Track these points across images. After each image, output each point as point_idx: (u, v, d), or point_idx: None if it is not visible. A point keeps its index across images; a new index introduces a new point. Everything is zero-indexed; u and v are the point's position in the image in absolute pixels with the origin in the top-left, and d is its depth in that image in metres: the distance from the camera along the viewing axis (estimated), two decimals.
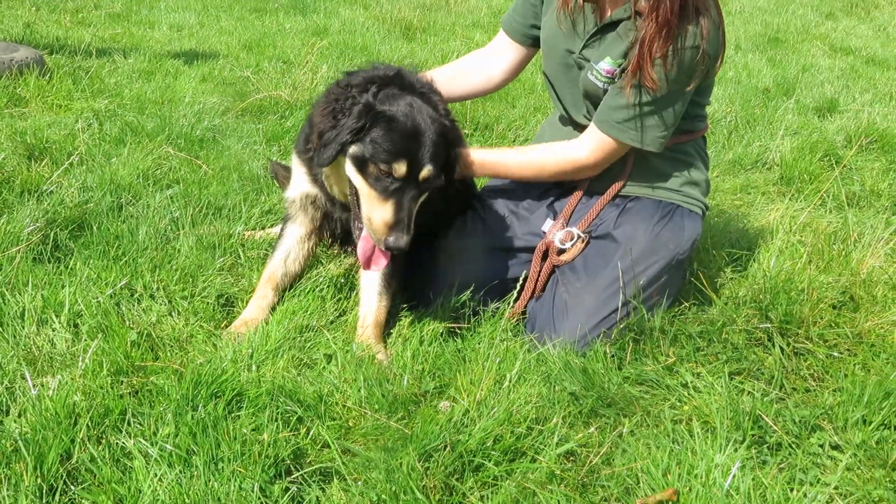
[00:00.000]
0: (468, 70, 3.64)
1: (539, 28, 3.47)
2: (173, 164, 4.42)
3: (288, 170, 3.97)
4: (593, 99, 3.24)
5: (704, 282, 3.43)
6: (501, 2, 12.10)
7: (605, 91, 3.17)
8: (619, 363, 2.93)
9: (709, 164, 3.51)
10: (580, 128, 3.36)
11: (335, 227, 3.30)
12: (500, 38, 3.62)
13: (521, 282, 3.27)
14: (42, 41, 7.13)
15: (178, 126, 4.99)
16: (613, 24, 3.13)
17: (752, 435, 2.58)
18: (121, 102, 5.54)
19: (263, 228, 3.82)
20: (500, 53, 3.61)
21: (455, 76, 3.61)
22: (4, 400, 2.45)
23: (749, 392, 2.82)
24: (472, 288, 3.23)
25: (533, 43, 3.57)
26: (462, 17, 10.72)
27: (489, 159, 3.27)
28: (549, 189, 3.46)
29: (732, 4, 13.25)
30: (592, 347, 2.97)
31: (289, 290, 3.23)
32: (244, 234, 3.68)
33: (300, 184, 3.24)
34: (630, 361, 2.95)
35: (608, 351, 2.94)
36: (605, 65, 3.13)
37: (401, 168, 2.74)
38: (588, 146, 3.20)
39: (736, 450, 2.49)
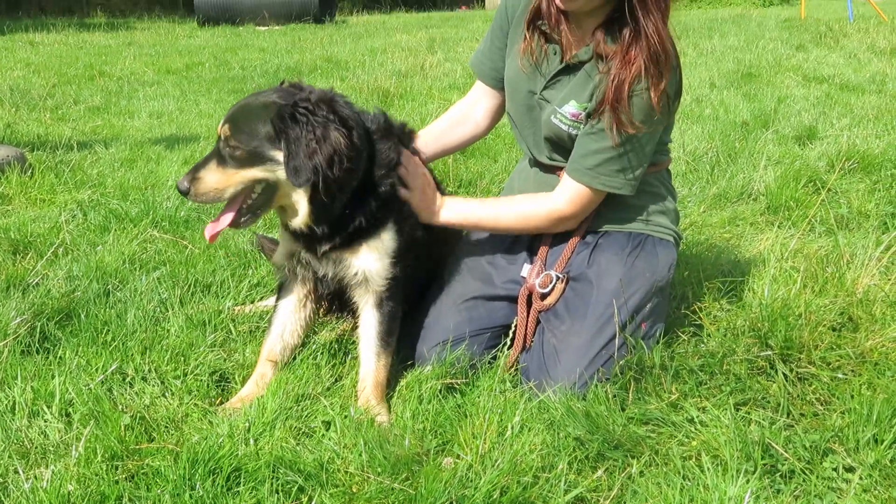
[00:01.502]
0: (458, 120, 3.67)
1: None
2: (159, 246, 4.41)
3: (274, 242, 3.97)
4: (557, 141, 3.25)
5: (701, 315, 3.41)
6: None
7: (570, 134, 3.18)
8: (621, 404, 2.89)
9: (675, 195, 3.52)
10: (545, 168, 3.37)
11: (324, 290, 3.26)
12: (476, 85, 3.65)
13: (512, 332, 3.24)
14: (23, 139, 7.18)
15: (163, 209, 5.00)
16: (576, 66, 3.15)
17: (764, 464, 2.53)
18: (104, 192, 5.54)
19: (253, 302, 3.80)
20: (480, 100, 3.63)
21: (445, 130, 3.65)
22: None
23: (756, 421, 2.78)
24: (464, 342, 3.20)
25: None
26: (437, 80, 10.86)
27: (465, 209, 3.26)
28: (521, 235, 3.46)
29: (704, 45, 13.46)
30: (590, 388, 2.93)
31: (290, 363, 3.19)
32: (234, 309, 3.65)
33: (283, 242, 3.22)
34: (633, 401, 2.90)
35: (610, 392, 2.90)
36: (571, 108, 3.15)
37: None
38: (565, 197, 3.20)
39: (748, 480, 2.44)
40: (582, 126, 3.14)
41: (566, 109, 3.16)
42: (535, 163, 3.45)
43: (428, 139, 3.57)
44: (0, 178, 5.61)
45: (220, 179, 2.83)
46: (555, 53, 3.21)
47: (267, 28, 20.87)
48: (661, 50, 2.93)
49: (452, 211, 3.24)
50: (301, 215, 2.93)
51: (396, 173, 3.08)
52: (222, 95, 10.17)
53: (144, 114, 8.93)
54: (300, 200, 2.90)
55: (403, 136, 3.21)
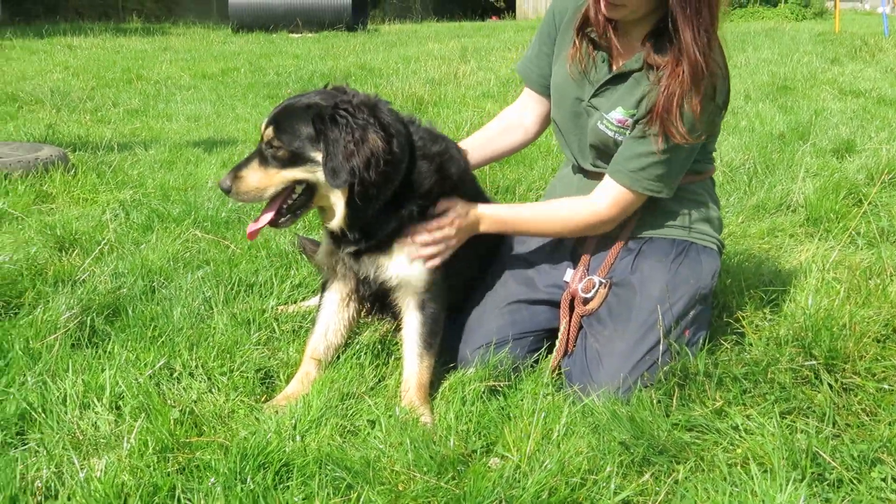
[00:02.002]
0: (506, 127, 3.67)
1: None
2: (201, 246, 4.46)
3: (315, 243, 4.00)
4: (602, 148, 3.26)
5: (743, 323, 3.40)
6: (508, 73, 12.30)
7: (616, 140, 3.19)
8: (666, 409, 2.89)
9: (719, 203, 3.52)
10: (589, 175, 3.38)
11: (365, 291, 3.27)
12: (524, 91, 3.66)
13: (563, 337, 3.25)
14: (65, 140, 7.29)
15: (204, 210, 5.05)
16: (625, 75, 3.17)
17: (812, 473, 2.52)
18: (145, 192, 5.61)
19: (296, 302, 3.83)
20: (528, 106, 3.64)
21: (493, 137, 3.65)
22: (53, 484, 2.43)
23: (802, 430, 2.76)
24: (507, 345, 3.21)
25: None
26: (471, 88, 10.89)
27: (505, 215, 3.27)
28: (564, 239, 3.47)
29: (738, 58, 13.40)
30: (634, 393, 2.93)
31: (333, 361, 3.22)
32: (277, 309, 3.69)
33: (325, 241, 3.25)
34: (677, 407, 2.90)
35: (654, 397, 2.90)
36: (618, 114, 3.16)
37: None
38: (605, 198, 3.20)
39: (797, 489, 2.43)
40: (628, 132, 3.15)
41: (613, 116, 3.17)
42: (578, 169, 3.46)
43: (475, 145, 3.58)
44: (44, 176, 5.69)
45: (261, 179, 2.88)
46: (603, 61, 3.22)
47: (300, 35, 21.01)
48: (699, 63, 2.93)
49: (490, 222, 3.25)
50: (337, 217, 2.97)
51: (431, 200, 3.11)
52: (258, 100, 10.25)
53: (182, 117, 9.03)
54: (338, 202, 2.94)
55: (450, 152, 3.21)
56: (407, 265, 3.08)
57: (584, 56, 3.24)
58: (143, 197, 5.47)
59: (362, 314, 3.46)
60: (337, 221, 2.98)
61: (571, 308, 3.30)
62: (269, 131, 2.88)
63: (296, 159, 2.86)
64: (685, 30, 2.91)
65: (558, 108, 3.41)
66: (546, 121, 3.65)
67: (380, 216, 3.00)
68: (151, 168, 6.43)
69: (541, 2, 33.33)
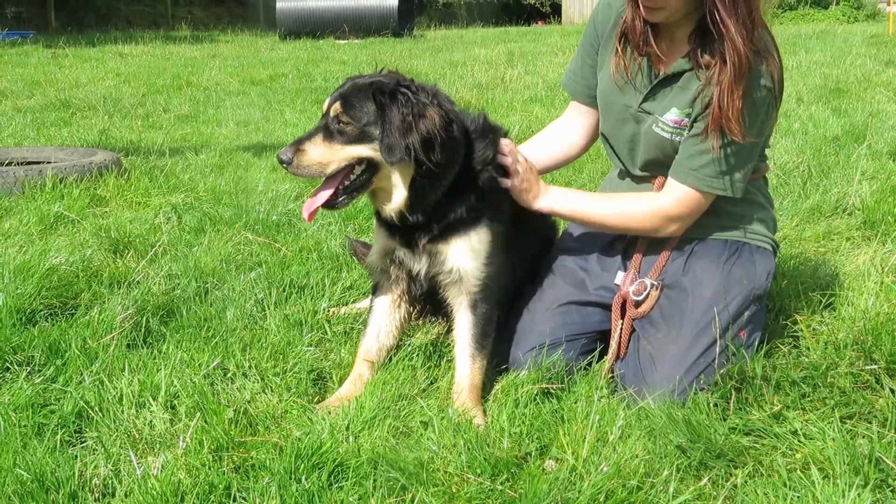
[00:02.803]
0: (552, 138, 3.65)
1: None
2: (253, 248, 4.50)
3: (366, 246, 4.02)
4: (657, 150, 3.21)
5: (801, 326, 3.35)
6: (556, 77, 12.27)
7: (673, 142, 3.15)
8: (722, 413, 2.85)
9: (772, 202, 3.48)
10: (637, 179, 3.35)
11: (417, 290, 3.26)
12: (571, 105, 3.64)
13: (612, 338, 3.22)
14: (117, 145, 7.42)
15: (255, 213, 5.10)
16: (676, 76, 3.13)
17: (875, 479, 2.46)
18: (197, 195, 5.69)
19: (347, 304, 3.84)
20: (575, 119, 3.61)
21: (536, 148, 3.61)
22: (111, 482, 2.46)
23: (864, 435, 2.70)
24: (560, 347, 3.19)
25: None
26: (518, 93, 10.88)
27: (569, 199, 3.25)
28: (615, 241, 3.43)
29: (789, 60, 13.22)
30: (690, 396, 2.89)
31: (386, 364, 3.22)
32: (329, 311, 3.70)
33: (378, 240, 3.24)
34: (734, 411, 2.86)
35: (710, 401, 2.86)
36: (673, 115, 3.13)
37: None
38: (671, 197, 3.17)
39: (860, 494, 2.37)
40: (686, 132, 3.12)
41: (668, 117, 3.14)
42: (626, 174, 3.43)
43: None
44: (98, 181, 5.79)
45: (324, 153, 2.86)
46: (648, 66, 3.19)
47: (346, 41, 21.18)
48: (747, 56, 2.89)
49: (556, 199, 3.24)
50: (396, 200, 2.95)
51: (493, 167, 3.09)
52: (306, 106, 10.34)
53: (231, 122, 9.14)
54: (398, 184, 2.92)
55: (500, 134, 3.22)
56: (466, 258, 3.06)
57: (629, 63, 3.22)
58: (195, 200, 5.54)
59: (413, 316, 3.46)
60: (395, 205, 2.96)
61: (623, 311, 3.27)
62: (337, 106, 2.88)
63: (362, 136, 2.85)
64: (728, 24, 2.88)
65: (606, 117, 3.39)
66: (594, 132, 3.60)
67: (443, 201, 2.99)
68: (202, 172, 6.51)
69: (586, 5, 33.21)
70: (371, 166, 2.91)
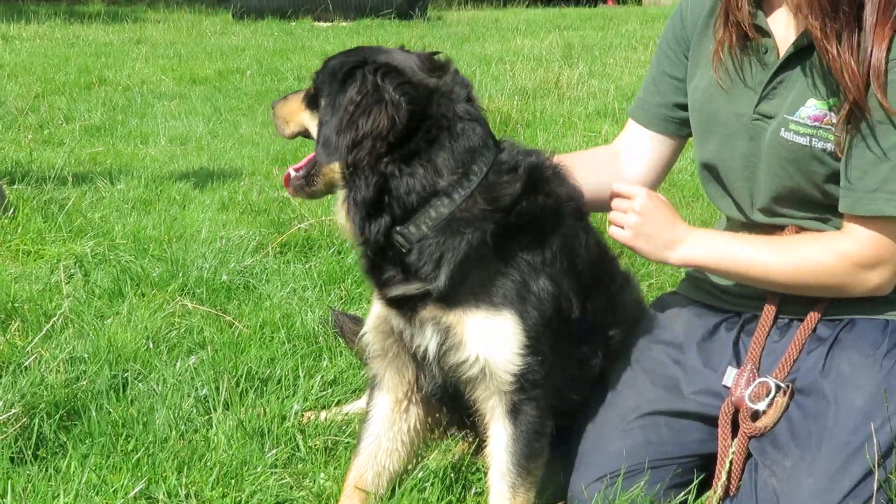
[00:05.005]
0: (593, 163, 3.68)
1: (685, 107, 3.52)
2: (193, 322, 4.54)
3: (357, 321, 4.05)
4: (792, 172, 3.21)
5: None
6: (634, 81, 12.39)
7: (815, 151, 3.14)
8: None
9: None
10: (756, 229, 3.36)
11: (428, 384, 3.25)
12: (630, 129, 3.71)
13: (718, 466, 3.22)
14: None
15: (196, 271, 5.15)
16: (805, 52, 3.16)
17: None
18: (112, 243, 5.73)
19: (329, 407, 3.86)
20: (634, 146, 3.68)
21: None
22: None
23: None
24: (641, 477, 3.19)
25: (679, 127, 3.61)
26: (579, 102, 10.98)
27: (718, 245, 3.27)
28: (723, 323, 3.44)
29: None
30: None
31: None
32: (304, 416, 3.73)
33: (373, 309, 3.28)
34: None
35: None
36: (810, 109, 3.13)
37: None
38: (858, 239, 3.14)
39: None
40: (834, 132, 3.11)
41: (803, 113, 3.14)
42: (740, 225, 3.45)
43: None
44: None
45: (290, 111, 3.37)
46: (765, 52, 3.23)
47: (330, 24, 21.43)
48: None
49: (702, 246, 3.26)
50: (338, 210, 3.12)
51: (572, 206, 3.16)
52: (271, 116, 10.42)
53: (163, 138, 9.25)
54: (339, 183, 3.10)
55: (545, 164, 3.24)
56: (494, 337, 3.04)
57: (739, 46, 3.26)
58: (109, 250, 5.58)
59: (428, 425, 3.47)
60: (342, 216, 3.10)
61: (736, 426, 3.28)
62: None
63: (313, 101, 3.22)
64: None
65: (706, 139, 3.41)
66: (662, 168, 3.68)
67: (430, 236, 3.02)
68: (120, 210, 6.58)
69: None
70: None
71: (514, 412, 3.10)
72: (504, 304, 3.03)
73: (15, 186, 6.87)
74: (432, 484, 3.28)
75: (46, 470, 3.29)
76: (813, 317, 3.28)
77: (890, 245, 3.10)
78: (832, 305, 3.29)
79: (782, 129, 3.18)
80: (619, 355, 3.51)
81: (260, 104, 11.11)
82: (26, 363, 3.98)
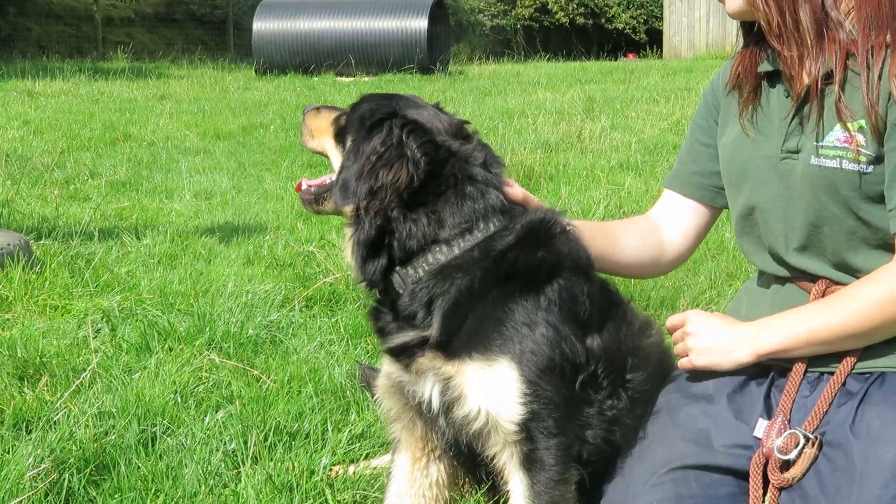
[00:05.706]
0: (631, 228, 3.71)
1: (720, 175, 3.54)
2: (221, 376, 4.55)
3: None
4: (825, 201, 3.19)
5: None
6: (656, 133, 12.43)
7: (847, 172, 3.10)
8: None
9: None
10: (792, 276, 3.36)
11: (439, 439, 3.25)
12: (665, 199, 3.73)
13: None
14: (26, 223, 7.55)
15: (223, 325, 5.18)
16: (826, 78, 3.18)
17: None
18: (139, 298, 5.77)
19: (357, 461, 3.86)
20: (668, 214, 3.70)
21: (595, 235, 3.55)
22: None
23: None
24: None
25: (715, 196, 3.63)
26: (602, 156, 11.01)
27: (786, 327, 3.22)
28: (750, 380, 3.42)
29: None
30: None
31: None
32: (332, 470, 3.73)
33: (383, 369, 3.30)
34: None
35: None
36: (839, 133, 3.13)
37: None
38: None
39: None
40: (865, 151, 3.11)
41: (831, 138, 3.14)
42: (772, 279, 3.44)
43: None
44: None
45: (318, 128, 3.43)
46: (787, 95, 3.26)
47: (352, 79, 21.61)
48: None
49: (767, 334, 3.23)
50: (345, 248, 3.18)
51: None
52: (294, 169, 10.53)
53: (188, 193, 9.32)
54: (346, 219, 3.18)
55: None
56: (491, 388, 3.01)
57: (763, 98, 3.31)
58: (136, 305, 5.62)
59: (451, 479, 3.45)
60: (348, 251, 3.16)
61: (766, 478, 3.26)
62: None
63: (341, 133, 3.30)
64: None
65: (739, 189, 3.41)
66: (696, 237, 3.71)
67: (423, 279, 3.05)
68: (146, 265, 6.63)
69: (699, 34, 33.53)
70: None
71: (529, 462, 3.05)
72: (500, 353, 3.02)
73: (41, 242, 6.91)
74: None
75: None
76: (843, 370, 3.25)
77: None
78: (862, 358, 3.27)
79: (812, 156, 3.18)
80: (648, 406, 3.50)
81: (283, 158, 11.20)
82: (55, 418, 4.00)
